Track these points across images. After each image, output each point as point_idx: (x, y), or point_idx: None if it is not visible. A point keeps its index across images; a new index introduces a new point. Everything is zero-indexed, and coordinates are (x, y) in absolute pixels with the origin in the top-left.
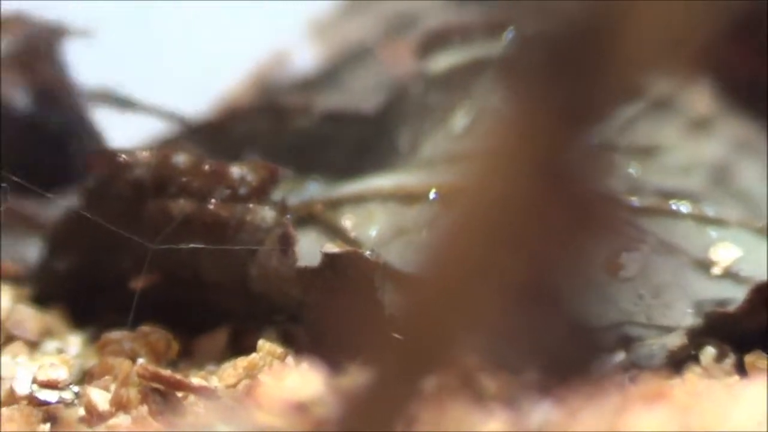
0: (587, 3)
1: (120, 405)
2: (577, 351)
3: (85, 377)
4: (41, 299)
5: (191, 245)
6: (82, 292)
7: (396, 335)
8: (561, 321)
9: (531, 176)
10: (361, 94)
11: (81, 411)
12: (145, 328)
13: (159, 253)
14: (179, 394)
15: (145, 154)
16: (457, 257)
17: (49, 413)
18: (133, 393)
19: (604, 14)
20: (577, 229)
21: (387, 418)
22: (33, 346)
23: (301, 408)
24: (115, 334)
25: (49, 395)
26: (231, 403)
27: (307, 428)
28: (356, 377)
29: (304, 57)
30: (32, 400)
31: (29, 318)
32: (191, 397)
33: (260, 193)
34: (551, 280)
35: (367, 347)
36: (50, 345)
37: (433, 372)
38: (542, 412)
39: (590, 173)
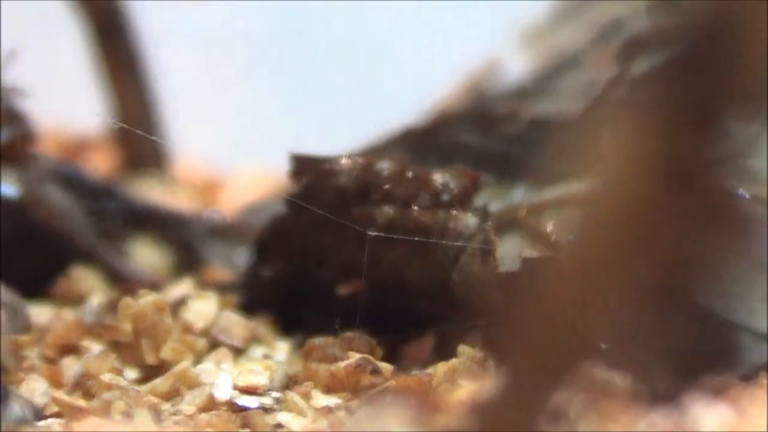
0: (724, 3)
1: (318, 409)
2: (723, 351)
3: (289, 383)
4: (248, 306)
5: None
6: (289, 298)
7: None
8: (702, 322)
9: (666, 178)
10: (568, 100)
11: (280, 416)
12: (348, 334)
13: (364, 262)
14: (373, 401)
15: (349, 161)
16: (594, 259)
17: (248, 419)
18: (331, 397)
19: (741, 16)
20: (712, 230)
21: (528, 416)
22: (238, 352)
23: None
24: (319, 340)
25: (249, 401)
26: (416, 403)
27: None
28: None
29: (516, 65)
30: (231, 406)
31: (235, 324)
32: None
33: (462, 200)
34: (689, 282)
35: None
36: (257, 351)
37: (576, 371)
38: (714, 414)
39: (722, 176)
